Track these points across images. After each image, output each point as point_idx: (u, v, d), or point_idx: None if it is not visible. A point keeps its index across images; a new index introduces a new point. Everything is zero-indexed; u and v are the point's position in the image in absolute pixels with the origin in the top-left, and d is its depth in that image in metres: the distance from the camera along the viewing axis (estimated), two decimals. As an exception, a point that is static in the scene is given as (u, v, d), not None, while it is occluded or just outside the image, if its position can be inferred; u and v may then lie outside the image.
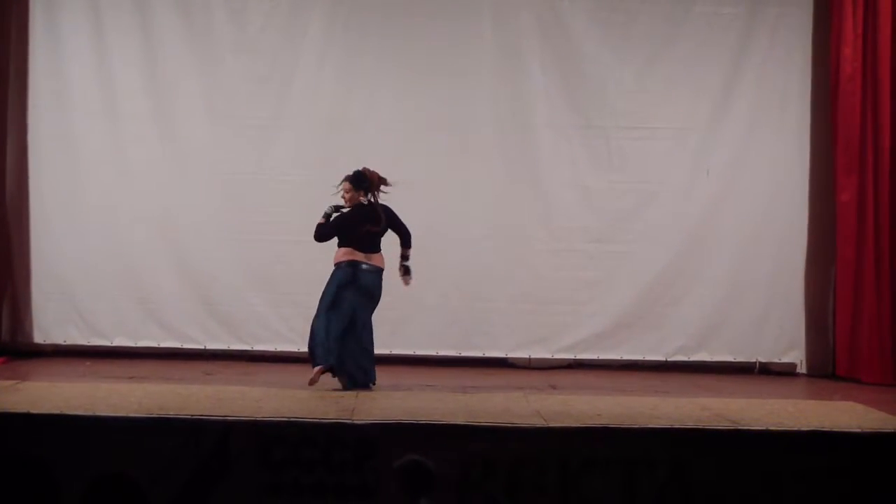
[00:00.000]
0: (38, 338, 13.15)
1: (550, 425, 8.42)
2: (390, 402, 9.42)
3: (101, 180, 13.07)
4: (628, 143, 13.22)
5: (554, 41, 13.21)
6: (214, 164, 13.11)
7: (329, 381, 10.46)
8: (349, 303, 10.62)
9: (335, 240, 10.79)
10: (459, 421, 8.44)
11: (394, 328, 12.47)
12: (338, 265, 10.74)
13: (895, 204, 12.71)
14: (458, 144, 13.13)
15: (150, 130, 13.12)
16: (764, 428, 8.51)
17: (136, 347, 13.06)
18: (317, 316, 10.61)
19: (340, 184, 10.76)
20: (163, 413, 8.43)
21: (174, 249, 13.09)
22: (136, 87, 13.10)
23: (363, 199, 10.78)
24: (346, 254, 10.74)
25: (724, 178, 13.22)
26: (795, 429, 8.55)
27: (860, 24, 12.79)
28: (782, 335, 13.23)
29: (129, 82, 13.10)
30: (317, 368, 10.41)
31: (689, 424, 8.58)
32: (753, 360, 13.27)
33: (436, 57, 13.18)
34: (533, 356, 13.25)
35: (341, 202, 10.82)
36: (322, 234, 10.83)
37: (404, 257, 10.94)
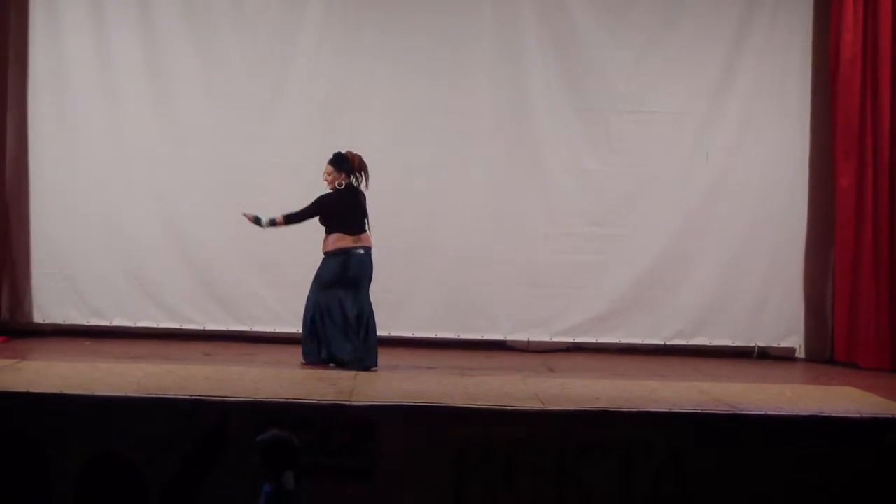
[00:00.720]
0: (38, 317, 13.15)
1: (548, 408, 8.43)
2: (388, 384, 9.43)
3: (101, 161, 13.06)
4: (627, 126, 13.20)
5: (553, 24, 13.18)
6: (213, 145, 13.09)
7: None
8: (342, 296, 10.78)
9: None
10: (457, 403, 8.44)
11: (392, 310, 12.49)
12: (329, 254, 10.86)
13: (894, 189, 12.70)
14: (457, 127, 13.10)
15: (149, 111, 13.09)
16: (762, 412, 8.53)
17: (136, 328, 13.06)
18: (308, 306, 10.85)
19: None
20: (162, 393, 8.44)
21: (173, 230, 13.08)
22: (134, 68, 13.06)
23: (344, 182, 10.93)
24: (337, 240, 10.85)
25: (723, 163, 13.21)
26: (793, 413, 8.57)
27: (861, 8, 12.76)
28: (781, 320, 13.23)
29: (127, 63, 13.06)
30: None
31: (688, 408, 8.58)
32: (752, 344, 13.27)
33: (434, 41, 13.14)
34: (531, 339, 13.25)
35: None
36: (297, 221, 11.09)
37: None
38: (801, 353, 13.23)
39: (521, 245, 13.16)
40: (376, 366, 10.79)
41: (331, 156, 11.00)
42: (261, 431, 6.97)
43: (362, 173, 11.02)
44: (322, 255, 11.02)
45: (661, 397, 9.05)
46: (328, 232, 10.93)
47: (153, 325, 13.10)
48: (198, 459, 8.06)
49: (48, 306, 13.15)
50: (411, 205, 12.63)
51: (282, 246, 12.79)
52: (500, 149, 13.16)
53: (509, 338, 13.27)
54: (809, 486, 8.20)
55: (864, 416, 8.58)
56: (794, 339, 13.25)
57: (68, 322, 13.12)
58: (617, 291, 13.21)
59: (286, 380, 9.58)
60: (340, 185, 10.94)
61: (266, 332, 13.02)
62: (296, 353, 11.18)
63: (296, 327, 12.16)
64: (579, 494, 8.16)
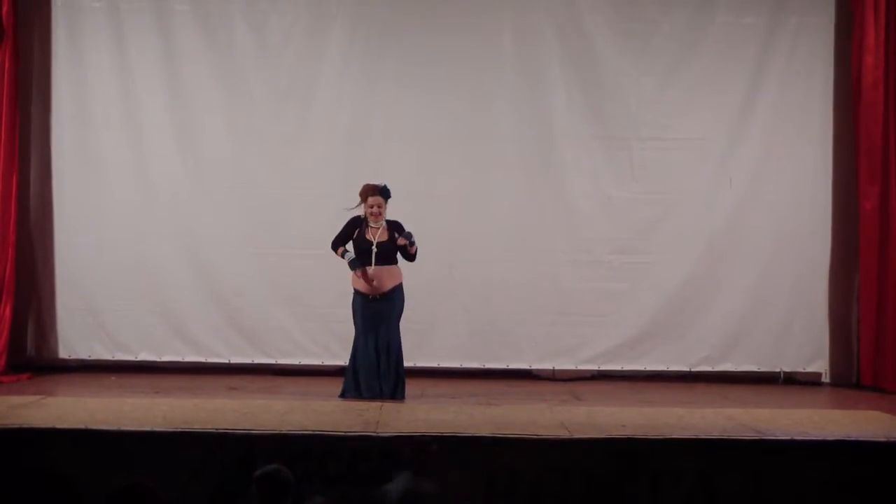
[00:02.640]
0: (64, 353, 13.16)
1: (575, 437, 8.41)
2: (415, 415, 9.43)
3: (125, 196, 13.08)
4: (650, 153, 13.18)
5: (575, 51, 13.18)
6: (237, 179, 13.11)
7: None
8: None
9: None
10: (484, 433, 8.44)
11: (417, 340, 12.47)
12: (401, 285, 11.01)
13: (919, 212, 12.71)
14: (480, 155, 13.10)
15: (173, 146, 13.11)
16: (789, 437, 8.51)
17: (161, 362, 13.06)
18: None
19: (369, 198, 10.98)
20: (188, 427, 8.45)
21: (197, 264, 13.09)
22: (158, 103, 13.09)
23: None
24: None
25: (746, 188, 13.18)
26: (820, 438, 8.54)
27: (882, 32, 12.75)
28: (806, 344, 13.18)
29: (151, 98, 13.09)
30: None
31: (715, 435, 8.57)
32: (778, 369, 13.21)
33: (456, 70, 13.13)
34: (557, 367, 13.21)
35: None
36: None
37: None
38: (826, 378, 13.17)
39: (544, 273, 13.15)
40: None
41: (379, 186, 11.00)
42: (290, 464, 6.97)
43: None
44: (390, 289, 11.01)
45: (687, 424, 9.03)
46: (395, 263, 10.98)
47: (178, 358, 13.10)
48: (225, 492, 8.06)
49: (74, 342, 13.16)
50: (435, 233, 12.61)
51: (306, 278, 12.82)
52: (522, 176, 13.15)
53: (534, 366, 13.24)
54: (838, 512, 8.18)
55: (892, 440, 8.55)
56: (819, 364, 13.18)
57: (94, 357, 13.14)
58: (642, 318, 13.17)
59: (312, 412, 9.58)
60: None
61: (292, 365, 12.99)
62: (321, 385, 11.18)
63: (321, 359, 12.30)
64: (607, 523, 8.15)
